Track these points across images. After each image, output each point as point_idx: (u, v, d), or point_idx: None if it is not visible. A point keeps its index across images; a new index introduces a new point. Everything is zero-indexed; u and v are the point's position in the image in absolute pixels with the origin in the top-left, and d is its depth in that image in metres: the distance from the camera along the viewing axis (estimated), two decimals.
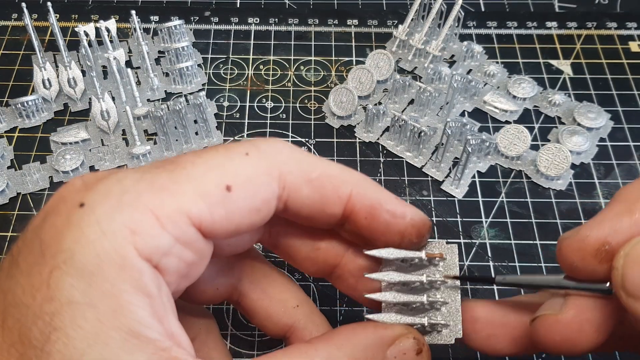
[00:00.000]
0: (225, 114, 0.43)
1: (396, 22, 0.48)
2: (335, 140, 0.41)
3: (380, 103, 0.43)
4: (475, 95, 0.43)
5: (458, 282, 0.24)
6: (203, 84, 0.44)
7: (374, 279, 0.23)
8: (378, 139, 0.41)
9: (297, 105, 0.43)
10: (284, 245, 0.25)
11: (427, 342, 0.23)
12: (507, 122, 0.42)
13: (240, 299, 0.26)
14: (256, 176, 0.20)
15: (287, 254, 0.26)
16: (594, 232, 0.20)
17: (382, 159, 0.40)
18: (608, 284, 0.21)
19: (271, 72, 0.45)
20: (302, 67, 0.45)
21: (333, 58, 0.46)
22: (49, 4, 0.42)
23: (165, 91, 0.44)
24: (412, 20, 0.45)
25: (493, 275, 0.35)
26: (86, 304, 0.17)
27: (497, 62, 0.45)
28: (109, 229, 0.18)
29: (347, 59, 0.46)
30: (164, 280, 0.19)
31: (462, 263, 0.35)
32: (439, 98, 0.42)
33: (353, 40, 0.47)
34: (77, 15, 0.48)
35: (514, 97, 0.43)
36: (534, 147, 0.40)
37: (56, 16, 0.48)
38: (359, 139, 0.41)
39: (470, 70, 0.45)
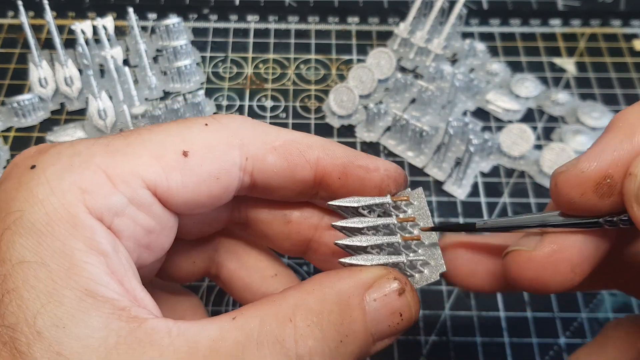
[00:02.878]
0: (224, 113, 0.42)
1: (397, 20, 0.48)
2: (335, 140, 0.41)
3: (381, 102, 0.42)
4: (477, 94, 0.42)
5: (430, 221, 0.22)
6: (202, 83, 0.44)
7: (340, 226, 0.21)
8: (379, 138, 0.41)
9: (297, 104, 0.43)
10: (255, 222, 0.24)
11: (413, 286, 0.21)
12: (510, 122, 0.41)
13: (219, 270, 0.26)
14: (214, 144, 0.20)
15: (259, 231, 0.24)
16: (594, 164, 0.18)
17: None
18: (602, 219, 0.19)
19: (271, 71, 0.45)
20: (302, 66, 0.45)
21: (333, 56, 0.46)
22: (46, 1, 0.41)
23: (163, 90, 0.43)
24: (413, 18, 0.44)
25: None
26: (37, 262, 0.17)
27: (500, 61, 0.45)
28: (58, 187, 0.18)
29: (347, 57, 0.45)
30: (120, 242, 0.19)
31: None
32: (440, 97, 0.41)
33: (354, 39, 0.47)
34: (74, 13, 0.48)
35: (517, 96, 0.42)
36: (537, 147, 0.40)
37: (53, 14, 0.47)
38: (360, 138, 0.41)
39: (473, 69, 0.44)
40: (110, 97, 0.41)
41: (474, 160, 0.39)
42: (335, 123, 0.41)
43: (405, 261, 0.21)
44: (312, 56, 0.46)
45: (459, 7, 0.43)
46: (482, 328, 0.33)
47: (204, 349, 0.17)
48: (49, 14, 0.41)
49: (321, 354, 0.18)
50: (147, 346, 0.17)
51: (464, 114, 0.42)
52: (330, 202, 0.21)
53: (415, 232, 0.22)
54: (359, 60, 0.45)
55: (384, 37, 0.47)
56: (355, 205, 0.21)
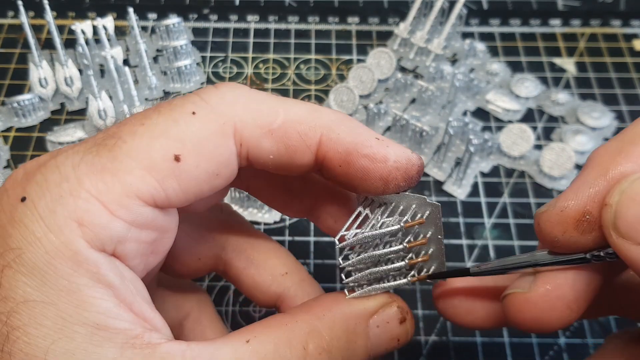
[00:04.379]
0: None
1: (397, 20, 0.48)
2: None
3: (381, 102, 0.42)
4: (477, 94, 0.42)
5: (429, 214, 0.21)
6: (202, 83, 0.44)
7: (346, 245, 0.21)
8: None
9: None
10: (256, 190, 0.24)
11: (416, 281, 0.22)
12: (510, 122, 0.41)
13: (226, 268, 0.25)
14: (207, 138, 0.18)
15: (261, 197, 0.24)
16: (572, 202, 0.19)
17: None
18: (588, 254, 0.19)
19: (271, 71, 0.45)
20: (302, 66, 0.45)
21: (333, 56, 0.46)
22: (46, 1, 0.41)
23: (163, 90, 0.43)
24: (413, 18, 0.44)
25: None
26: (44, 302, 0.16)
27: (500, 61, 0.45)
28: (53, 223, 0.17)
29: (347, 57, 0.45)
30: (126, 266, 0.18)
31: (462, 263, 0.35)
32: (440, 97, 0.41)
33: (354, 39, 0.47)
34: (74, 13, 0.48)
35: (517, 96, 0.42)
36: (537, 147, 0.40)
37: (53, 14, 0.47)
38: None
39: (473, 69, 0.44)
40: (110, 97, 0.41)
41: (474, 160, 0.39)
42: None
43: (406, 265, 0.21)
44: (312, 56, 0.46)
45: (458, 7, 0.43)
46: None
47: None
48: (49, 14, 0.41)
49: None
50: None
51: (464, 114, 0.42)
52: (338, 244, 0.21)
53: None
54: (359, 60, 0.45)
55: (384, 37, 0.47)
56: (365, 236, 0.21)
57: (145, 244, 0.19)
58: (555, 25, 0.47)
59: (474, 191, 0.38)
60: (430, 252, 0.22)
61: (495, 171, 0.39)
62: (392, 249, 0.21)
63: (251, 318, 0.33)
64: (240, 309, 0.33)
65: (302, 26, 0.47)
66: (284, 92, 0.43)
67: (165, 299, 0.23)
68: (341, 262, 0.21)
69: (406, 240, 0.22)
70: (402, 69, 0.44)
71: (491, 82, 0.43)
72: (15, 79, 0.44)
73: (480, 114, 0.42)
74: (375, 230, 0.21)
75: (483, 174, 0.39)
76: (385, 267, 0.21)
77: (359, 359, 0.21)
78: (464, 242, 0.36)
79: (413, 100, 0.42)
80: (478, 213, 0.37)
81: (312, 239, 0.36)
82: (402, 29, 0.44)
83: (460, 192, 0.38)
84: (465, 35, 0.46)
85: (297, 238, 0.36)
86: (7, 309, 0.16)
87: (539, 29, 0.47)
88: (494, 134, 0.40)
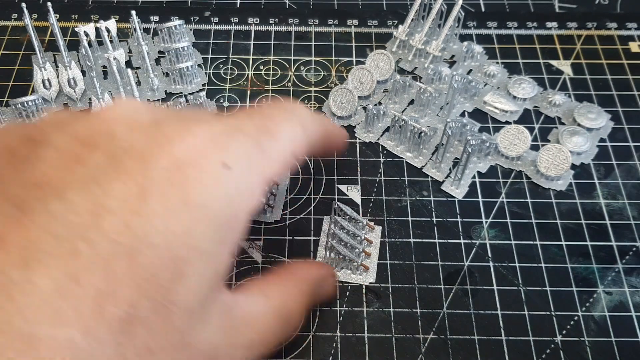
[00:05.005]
0: (225, 114, 0.43)
1: (396, 22, 0.48)
2: None
3: (380, 103, 0.43)
4: (475, 96, 0.43)
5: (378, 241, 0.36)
6: (203, 84, 0.44)
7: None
8: (378, 139, 0.41)
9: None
10: None
11: (353, 280, 0.35)
12: (507, 123, 0.42)
13: None
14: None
15: None
16: None
17: (382, 159, 0.40)
18: None
19: (271, 73, 0.45)
20: (302, 68, 0.45)
21: (333, 58, 0.46)
22: (49, 4, 0.42)
23: (165, 91, 0.44)
24: (412, 20, 0.45)
25: (493, 278, 0.35)
26: (212, 254, 0.20)
27: (498, 63, 0.45)
28: (246, 189, 0.21)
29: (347, 59, 0.46)
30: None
31: (462, 264, 0.35)
32: (439, 98, 0.42)
33: (353, 41, 0.47)
34: (77, 15, 0.48)
35: (514, 97, 0.43)
36: (534, 148, 0.40)
37: (56, 16, 0.48)
38: (359, 139, 0.41)
39: (471, 70, 0.45)
40: (113, 98, 0.41)
41: (472, 160, 0.39)
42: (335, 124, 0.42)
43: (359, 263, 0.34)
44: (312, 58, 0.46)
45: (456, 10, 0.43)
46: (479, 326, 0.33)
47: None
48: (52, 17, 0.42)
49: None
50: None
51: (462, 115, 0.42)
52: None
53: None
54: (358, 62, 0.46)
55: (383, 39, 0.47)
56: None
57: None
58: (552, 28, 0.48)
59: (472, 191, 0.39)
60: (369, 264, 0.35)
61: (492, 171, 0.40)
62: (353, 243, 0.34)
63: None
64: None
65: (302, 28, 0.48)
66: (284, 94, 0.44)
67: None
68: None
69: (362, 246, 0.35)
70: (401, 71, 0.45)
71: (489, 84, 0.44)
72: (19, 81, 0.44)
73: (478, 115, 0.42)
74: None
75: (481, 174, 0.40)
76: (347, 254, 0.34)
77: (310, 307, 0.30)
78: (462, 241, 0.36)
79: (412, 102, 0.43)
80: (476, 213, 0.38)
81: (312, 238, 0.36)
82: (400, 31, 0.45)
83: (458, 192, 0.39)
84: (463, 38, 0.47)
85: (297, 238, 0.36)
86: (187, 255, 0.19)
87: (535, 31, 0.48)
88: (492, 135, 0.41)
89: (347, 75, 0.44)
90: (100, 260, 0.17)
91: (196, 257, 0.19)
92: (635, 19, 0.48)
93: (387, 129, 0.41)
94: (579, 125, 0.41)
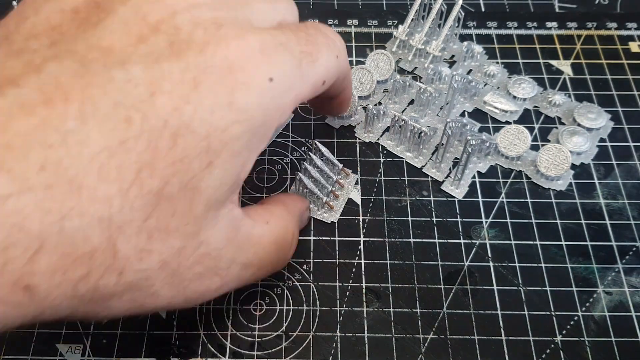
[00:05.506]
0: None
1: (396, 22, 0.48)
2: (335, 140, 0.41)
3: (380, 103, 0.42)
4: (475, 96, 0.43)
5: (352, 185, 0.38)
6: None
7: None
8: (378, 139, 0.41)
9: (297, 105, 0.43)
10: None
11: (317, 216, 0.37)
12: (507, 123, 0.42)
13: None
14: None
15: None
16: None
17: (382, 159, 0.40)
18: None
19: None
20: None
21: None
22: None
23: None
24: (412, 20, 0.45)
25: (493, 278, 0.35)
26: (238, 153, 0.22)
27: (498, 63, 0.45)
28: (281, 104, 0.23)
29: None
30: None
31: (462, 264, 0.35)
32: (439, 98, 0.42)
33: (353, 41, 0.47)
34: None
35: (514, 97, 0.43)
36: (534, 148, 0.40)
37: None
38: (359, 139, 0.41)
39: (471, 70, 0.45)
40: None
41: (472, 160, 0.39)
42: (335, 124, 0.42)
43: (324, 200, 0.37)
44: None
45: (456, 10, 0.43)
46: (479, 326, 0.33)
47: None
48: None
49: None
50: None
51: (462, 115, 0.42)
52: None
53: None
54: (358, 62, 0.46)
55: (383, 39, 0.47)
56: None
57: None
58: (552, 28, 0.48)
59: (472, 191, 0.39)
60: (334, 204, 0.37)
61: (492, 171, 0.40)
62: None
63: (252, 316, 0.33)
64: (241, 307, 0.34)
65: None
66: None
67: None
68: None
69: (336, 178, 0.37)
70: (401, 71, 0.45)
71: (489, 84, 0.44)
72: None
73: (478, 115, 0.42)
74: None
75: (480, 174, 0.40)
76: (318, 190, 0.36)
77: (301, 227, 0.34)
78: (462, 241, 0.36)
79: (412, 102, 0.43)
80: (476, 213, 0.38)
81: (312, 238, 0.36)
82: (400, 31, 0.45)
83: (458, 192, 0.38)
84: (463, 38, 0.47)
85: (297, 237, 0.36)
86: (218, 147, 0.21)
87: (535, 31, 0.48)
88: (492, 135, 0.41)
89: None
90: (148, 133, 0.18)
91: (227, 153, 0.21)
92: (635, 19, 0.48)
93: (387, 129, 0.41)
94: (579, 125, 0.41)
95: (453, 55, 0.45)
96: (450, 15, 0.43)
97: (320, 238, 0.36)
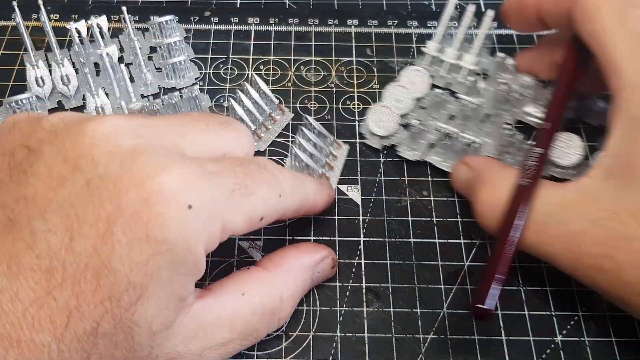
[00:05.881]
0: (225, 114, 0.43)
1: (396, 22, 0.48)
2: (382, 160, 0.41)
3: (419, 120, 0.41)
4: (514, 107, 0.41)
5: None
6: (196, 78, 0.44)
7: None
8: (422, 155, 0.39)
9: (297, 105, 0.43)
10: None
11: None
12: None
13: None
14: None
15: None
16: None
17: (382, 159, 0.40)
18: None
19: (271, 72, 0.45)
20: (302, 67, 0.45)
21: (333, 58, 0.46)
22: (40, 1, 0.42)
23: (158, 86, 0.44)
24: (442, 36, 0.43)
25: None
26: (169, 281, 0.22)
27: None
28: (204, 231, 0.22)
29: (347, 59, 0.46)
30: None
31: (462, 263, 0.35)
32: (478, 111, 0.40)
33: (353, 41, 0.47)
34: (77, 15, 0.48)
35: None
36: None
37: (55, 16, 0.48)
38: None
39: (505, 82, 0.43)
40: (107, 95, 0.41)
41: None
42: (377, 144, 0.40)
43: (320, 172, 0.37)
44: (312, 58, 0.46)
45: (488, 23, 0.42)
46: (479, 326, 0.33)
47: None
48: (43, 14, 0.42)
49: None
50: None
51: (505, 126, 0.40)
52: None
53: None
54: (358, 62, 0.46)
55: (383, 39, 0.47)
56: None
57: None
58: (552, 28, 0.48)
59: None
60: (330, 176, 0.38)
61: None
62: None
63: None
64: None
65: (302, 28, 0.48)
66: (284, 93, 0.44)
67: None
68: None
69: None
70: (434, 87, 0.43)
71: (525, 94, 0.42)
72: (19, 81, 0.44)
73: (519, 125, 0.41)
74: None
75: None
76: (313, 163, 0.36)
77: (305, 292, 0.32)
78: (462, 241, 0.36)
79: (451, 117, 0.41)
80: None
81: (312, 238, 0.36)
82: (431, 47, 0.44)
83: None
84: (464, 38, 0.47)
85: (297, 237, 0.36)
86: (144, 281, 0.21)
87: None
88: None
89: (381, 93, 0.42)
90: (70, 279, 0.20)
91: (155, 284, 0.21)
92: None
93: (432, 145, 0.40)
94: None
95: (484, 69, 0.44)
96: (482, 27, 0.42)
97: (321, 238, 0.36)
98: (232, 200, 0.23)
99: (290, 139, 0.41)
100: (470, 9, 0.42)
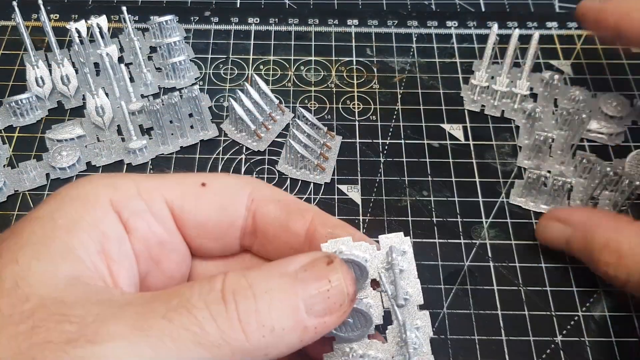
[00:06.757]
0: (225, 114, 0.43)
1: (396, 22, 0.48)
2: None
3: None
4: (578, 127, 0.39)
5: None
6: (196, 78, 0.44)
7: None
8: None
9: (298, 105, 0.43)
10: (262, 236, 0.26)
11: (311, 179, 0.33)
12: (616, 146, 0.40)
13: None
14: (230, 183, 0.25)
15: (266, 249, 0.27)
16: None
17: (382, 159, 0.40)
18: None
19: (271, 72, 0.45)
20: (302, 67, 0.45)
21: (333, 58, 0.46)
22: (40, 1, 0.42)
23: (158, 86, 0.44)
24: (488, 65, 0.42)
25: (493, 278, 0.35)
26: (47, 217, 0.21)
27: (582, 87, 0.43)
28: (95, 181, 0.22)
29: (347, 59, 0.46)
30: (128, 239, 0.22)
31: (462, 263, 0.35)
32: (557, 141, 0.39)
33: (353, 40, 0.47)
34: (77, 15, 0.48)
35: (611, 117, 0.41)
36: None
37: (55, 16, 0.48)
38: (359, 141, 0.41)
39: (556, 99, 0.43)
40: (107, 94, 0.41)
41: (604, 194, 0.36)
42: None
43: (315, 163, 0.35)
44: (312, 58, 0.46)
45: (534, 46, 0.41)
46: (479, 326, 0.33)
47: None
48: (43, 14, 0.42)
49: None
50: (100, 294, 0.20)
51: (577, 150, 0.39)
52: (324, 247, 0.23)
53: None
54: (358, 62, 0.46)
55: (383, 39, 0.47)
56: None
57: (152, 235, 0.23)
58: (552, 28, 0.48)
59: (472, 191, 0.38)
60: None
61: (492, 171, 0.39)
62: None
63: None
64: None
65: (302, 28, 0.48)
66: (284, 93, 0.44)
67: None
68: None
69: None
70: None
71: (581, 110, 0.40)
72: (19, 80, 0.44)
73: (582, 144, 0.40)
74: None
75: (481, 174, 0.39)
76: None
77: (293, 304, 0.20)
78: (462, 241, 0.36)
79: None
80: (476, 213, 0.37)
81: None
82: (479, 77, 0.43)
83: None
84: (463, 38, 0.47)
85: None
86: (23, 224, 0.20)
87: (536, 31, 0.47)
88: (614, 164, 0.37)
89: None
90: None
91: (31, 220, 0.21)
92: None
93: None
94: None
95: (532, 88, 0.43)
96: (530, 51, 0.41)
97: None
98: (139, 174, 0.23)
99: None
100: (535, 36, 0.41)
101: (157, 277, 0.23)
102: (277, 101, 0.41)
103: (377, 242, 0.23)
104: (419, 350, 0.22)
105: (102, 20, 0.44)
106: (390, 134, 0.41)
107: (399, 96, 0.44)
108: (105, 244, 0.21)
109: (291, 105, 0.43)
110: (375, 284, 0.23)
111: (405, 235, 0.23)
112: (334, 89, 0.44)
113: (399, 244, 0.23)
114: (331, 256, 0.21)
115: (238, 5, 0.50)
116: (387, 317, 0.23)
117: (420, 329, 0.22)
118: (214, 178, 0.24)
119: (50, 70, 0.43)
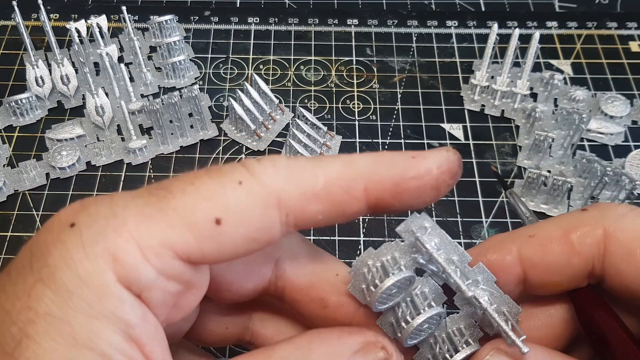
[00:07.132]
0: (225, 114, 0.43)
1: (396, 21, 0.48)
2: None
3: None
4: (574, 125, 0.39)
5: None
6: (196, 78, 0.44)
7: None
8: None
9: (298, 105, 0.43)
10: (291, 301, 0.24)
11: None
12: (616, 146, 0.40)
13: (254, 338, 0.25)
14: (250, 207, 0.19)
15: (295, 310, 0.24)
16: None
17: None
18: None
19: (271, 72, 0.45)
20: (302, 67, 0.45)
21: (333, 58, 0.46)
22: (40, 1, 0.42)
23: (158, 86, 0.44)
24: (489, 65, 0.42)
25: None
26: (62, 320, 0.18)
27: (584, 87, 0.43)
28: (91, 252, 0.18)
29: (347, 58, 0.46)
30: (148, 310, 0.19)
31: None
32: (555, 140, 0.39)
33: (353, 40, 0.47)
34: (76, 15, 0.48)
35: (611, 117, 0.41)
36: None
37: (55, 16, 0.48)
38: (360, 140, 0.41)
39: (556, 99, 0.43)
40: (107, 94, 0.41)
41: (606, 194, 0.37)
42: None
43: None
44: (312, 57, 0.46)
45: (535, 46, 0.41)
46: None
47: None
48: (43, 14, 0.42)
49: None
50: None
51: (577, 150, 0.39)
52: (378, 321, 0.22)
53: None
54: (358, 62, 0.46)
55: (383, 39, 0.47)
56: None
57: (169, 295, 0.20)
58: (552, 27, 0.48)
59: (472, 191, 0.38)
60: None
61: (492, 171, 0.40)
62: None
63: None
64: None
65: (302, 28, 0.48)
66: (284, 93, 0.44)
67: None
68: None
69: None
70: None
71: (580, 110, 0.40)
72: (19, 80, 0.44)
73: (582, 144, 0.40)
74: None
75: (481, 174, 0.39)
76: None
77: None
78: (462, 241, 0.36)
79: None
80: (476, 212, 0.37)
81: (311, 238, 0.36)
82: (479, 77, 0.43)
83: None
84: (463, 38, 0.47)
85: None
86: (28, 317, 0.18)
87: (536, 30, 0.48)
88: (613, 164, 0.38)
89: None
90: None
91: (40, 321, 0.18)
92: (635, 19, 0.48)
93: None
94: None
95: (532, 88, 0.43)
96: (530, 51, 0.41)
97: (321, 238, 0.36)
98: (136, 211, 0.19)
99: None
100: (536, 35, 0.41)
101: (175, 315, 0.21)
102: (277, 101, 0.41)
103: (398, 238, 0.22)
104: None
105: (102, 20, 0.44)
106: (390, 133, 0.41)
107: (399, 96, 0.44)
108: (131, 332, 0.18)
109: (291, 104, 0.43)
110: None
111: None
112: (334, 89, 0.44)
113: (416, 226, 0.22)
114: (388, 351, 0.21)
115: (238, 5, 0.50)
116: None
117: (480, 282, 0.22)
118: (229, 200, 0.19)
119: (50, 70, 0.43)
